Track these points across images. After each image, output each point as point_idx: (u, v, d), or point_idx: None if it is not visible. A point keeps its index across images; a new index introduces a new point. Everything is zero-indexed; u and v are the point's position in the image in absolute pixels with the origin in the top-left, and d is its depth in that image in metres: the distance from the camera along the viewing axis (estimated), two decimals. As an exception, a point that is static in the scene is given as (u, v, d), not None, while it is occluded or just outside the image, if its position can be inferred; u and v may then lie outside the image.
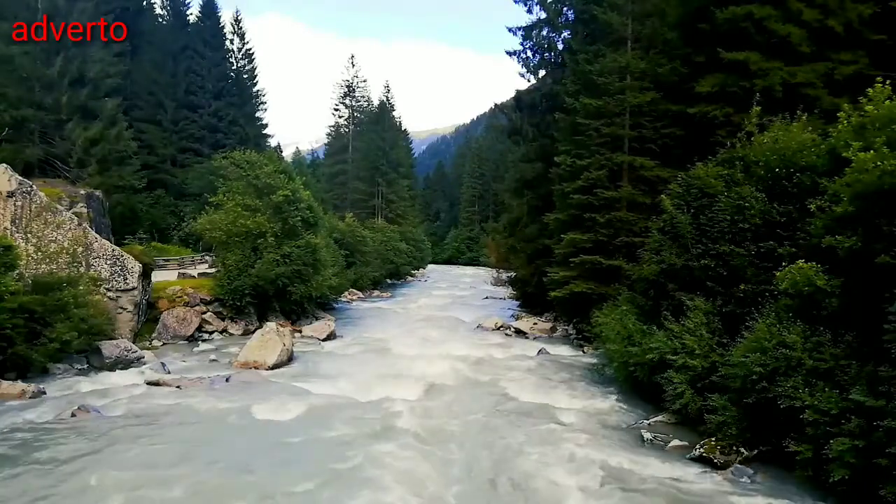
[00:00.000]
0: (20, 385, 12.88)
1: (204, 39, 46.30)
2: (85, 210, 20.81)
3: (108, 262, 18.61)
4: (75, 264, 17.86)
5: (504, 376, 16.32)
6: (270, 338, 17.42)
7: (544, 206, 25.25)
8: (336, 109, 67.15)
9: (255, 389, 14.19)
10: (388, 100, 70.56)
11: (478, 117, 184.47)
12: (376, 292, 43.53)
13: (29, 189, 17.75)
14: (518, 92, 31.09)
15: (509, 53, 29.25)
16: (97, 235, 19.08)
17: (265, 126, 52.79)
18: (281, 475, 9.04)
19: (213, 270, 25.33)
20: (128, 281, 18.76)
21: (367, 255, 42.78)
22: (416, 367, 17.08)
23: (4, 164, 17.93)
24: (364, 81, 67.44)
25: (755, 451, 9.85)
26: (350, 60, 66.59)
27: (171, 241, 38.25)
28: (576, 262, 20.52)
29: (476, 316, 29.72)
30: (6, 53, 26.54)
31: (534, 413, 12.93)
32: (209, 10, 47.51)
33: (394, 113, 72.64)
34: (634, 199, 19.76)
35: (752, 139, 13.12)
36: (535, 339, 23.54)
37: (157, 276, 23.10)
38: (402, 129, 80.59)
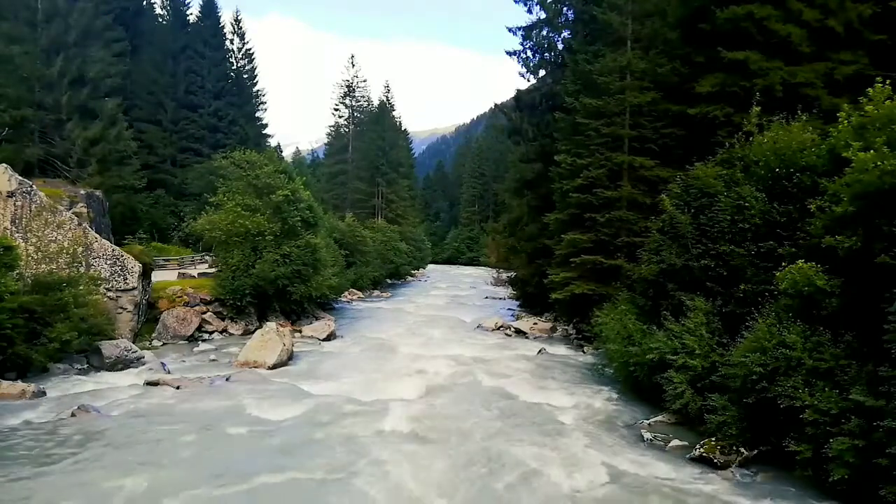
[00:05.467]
0: (20, 385, 12.87)
1: (204, 39, 46.24)
2: (85, 210, 20.77)
3: (108, 262, 18.61)
4: (75, 264, 17.85)
5: (504, 376, 16.32)
6: (270, 338, 17.42)
7: (544, 205, 25.24)
8: (336, 109, 67.09)
9: (255, 389, 14.18)
10: (388, 100, 70.67)
11: (478, 117, 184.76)
12: (376, 292, 43.52)
13: (29, 189, 17.75)
14: (518, 92, 31.09)
15: (509, 53, 29.30)
16: (97, 235, 19.07)
17: (265, 126, 52.80)
18: (280, 475, 9.03)
19: (213, 270, 25.33)
20: (128, 281, 18.76)
21: (367, 255, 42.77)
22: (417, 367, 17.08)
23: (4, 164, 17.92)
24: (364, 81, 67.34)
25: (755, 451, 9.85)
26: (350, 60, 66.47)
27: (171, 241, 38.24)
28: (576, 262, 20.53)
29: (476, 316, 29.73)
30: (6, 53, 26.54)
31: (533, 413, 12.93)
32: (209, 10, 47.46)
33: (394, 113, 72.79)
34: (634, 198, 19.77)
35: (751, 139, 13.12)
36: (535, 339, 23.54)
37: (157, 276, 23.10)
38: (402, 129, 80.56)
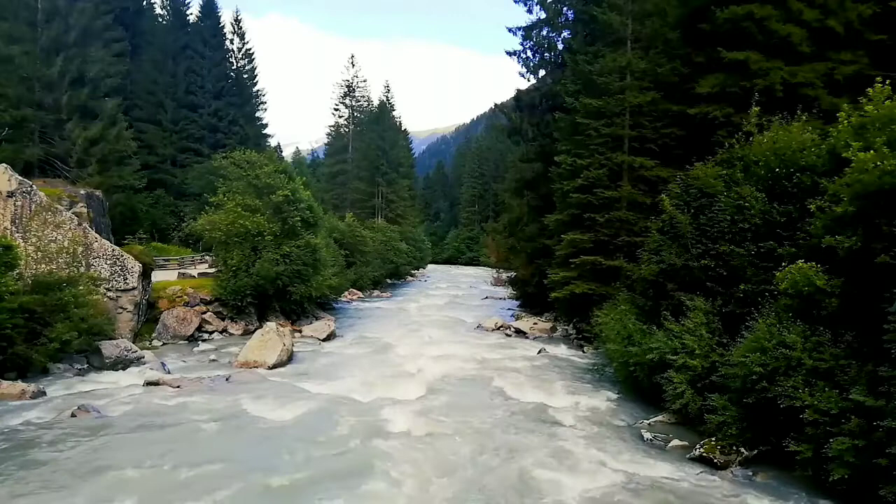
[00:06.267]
0: (20, 385, 12.87)
1: (204, 39, 46.30)
2: (85, 210, 20.76)
3: (108, 262, 18.61)
4: (75, 264, 17.85)
5: (504, 376, 16.31)
6: (270, 338, 17.42)
7: (544, 206, 25.25)
8: (336, 109, 67.08)
9: (255, 389, 14.19)
10: (388, 100, 70.60)
11: (478, 117, 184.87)
12: (376, 292, 43.51)
13: (29, 189, 17.75)
14: (518, 92, 31.12)
15: (509, 53, 29.35)
16: (97, 235, 19.07)
17: (265, 126, 52.79)
18: (280, 475, 9.04)
19: (213, 270, 25.33)
20: (128, 281, 18.76)
21: (367, 255, 42.77)
22: (416, 367, 17.08)
23: (4, 164, 17.93)
24: (364, 81, 67.36)
25: (755, 451, 9.86)
26: (350, 60, 66.53)
27: (171, 241, 38.26)
28: (576, 262, 20.53)
29: (476, 316, 29.73)
30: (6, 53, 26.54)
31: (533, 413, 12.93)
32: (209, 9, 47.50)
33: (394, 113, 72.72)
34: (634, 198, 19.77)
35: (751, 139, 13.13)
36: (535, 339, 23.53)
37: (157, 276, 23.10)
38: (402, 128, 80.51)
